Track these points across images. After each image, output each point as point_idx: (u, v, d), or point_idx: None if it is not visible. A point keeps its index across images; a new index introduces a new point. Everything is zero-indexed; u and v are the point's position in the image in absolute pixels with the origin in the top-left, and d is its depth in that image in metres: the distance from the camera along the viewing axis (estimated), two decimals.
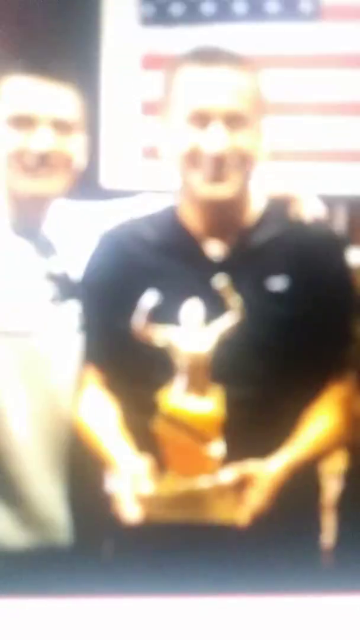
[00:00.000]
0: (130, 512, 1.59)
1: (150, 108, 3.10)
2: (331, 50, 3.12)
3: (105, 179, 3.17)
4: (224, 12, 3.15)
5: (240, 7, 3.15)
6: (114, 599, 1.47)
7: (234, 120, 1.71)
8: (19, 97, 1.83)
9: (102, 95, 3.18)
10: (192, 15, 3.17)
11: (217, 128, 1.70)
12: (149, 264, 1.80)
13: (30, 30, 3.02)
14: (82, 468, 1.84)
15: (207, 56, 1.77)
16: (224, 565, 1.61)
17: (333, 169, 3.08)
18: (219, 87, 1.72)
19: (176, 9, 3.18)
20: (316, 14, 3.13)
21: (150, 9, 3.21)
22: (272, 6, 3.14)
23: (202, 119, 1.71)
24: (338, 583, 1.53)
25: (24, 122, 1.81)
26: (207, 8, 3.17)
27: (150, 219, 1.89)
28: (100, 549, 1.86)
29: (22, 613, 1.44)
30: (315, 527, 1.85)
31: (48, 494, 1.85)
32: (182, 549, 1.65)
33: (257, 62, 1.82)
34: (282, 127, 3.00)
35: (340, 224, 2.91)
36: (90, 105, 1.96)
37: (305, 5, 3.13)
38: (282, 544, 1.69)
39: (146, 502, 1.59)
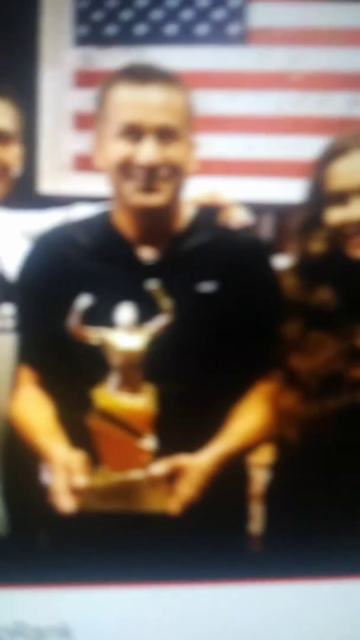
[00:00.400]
0: (65, 503, 1.56)
1: (82, 122, 3.12)
2: (256, 70, 3.13)
3: (42, 187, 3.16)
4: (156, 34, 3.15)
5: (171, 30, 3.14)
6: (49, 587, 1.44)
7: (165, 135, 1.71)
8: None
9: (38, 108, 3.16)
10: (125, 36, 3.16)
11: (149, 141, 1.70)
12: (83, 267, 1.78)
13: None
14: (18, 462, 1.81)
15: (139, 73, 1.76)
16: (156, 554, 1.58)
17: (259, 182, 3.11)
18: (152, 103, 1.71)
19: (110, 30, 3.17)
20: (242, 37, 3.13)
21: (85, 30, 3.19)
22: (201, 29, 3.14)
23: (135, 133, 1.70)
24: (265, 569, 1.52)
25: None
26: (140, 30, 3.15)
27: (85, 224, 1.86)
28: (36, 539, 1.82)
29: None
30: (243, 516, 1.84)
31: None
32: (116, 539, 1.61)
33: (187, 81, 1.80)
34: (210, 142, 3.00)
35: (266, 231, 2.94)
36: (28, 118, 1.94)
37: (232, 29, 3.13)
38: (212, 532, 1.66)
39: (80, 494, 1.57)
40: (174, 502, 1.58)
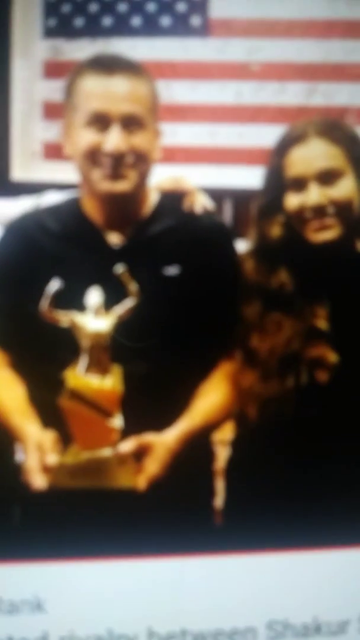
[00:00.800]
0: (37, 480, 1.55)
1: (52, 111, 3.08)
2: (217, 60, 3.10)
3: (13, 174, 3.11)
4: (121, 26, 3.11)
5: (136, 21, 3.11)
6: (22, 562, 1.43)
7: (131, 123, 1.68)
8: None
9: (9, 98, 3.11)
10: (92, 28, 3.11)
11: (115, 130, 1.67)
12: (53, 252, 1.75)
13: None
14: None
15: (106, 64, 1.72)
16: (125, 528, 1.57)
17: (220, 169, 3.09)
18: (118, 93, 1.68)
19: (78, 22, 3.12)
20: (204, 28, 3.11)
21: (53, 22, 3.14)
22: (164, 21, 3.11)
23: (101, 122, 1.68)
24: (229, 542, 1.52)
25: None
26: (106, 22, 3.11)
27: (55, 210, 1.83)
28: (9, 515, 1.79)
29: None
30: (208, 491, 1.83)
31: None
32: (86, 514, 1.59)
33: (152, 71, 1.78)
34: (174, 130, 2.99)
35: (227, 216, 2.91)
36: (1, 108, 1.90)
37: (194, 21, 3.10)
38: (178, 507, 1.64)
39: (52, 471, 1.55)
40: (141, 479, 1.58)
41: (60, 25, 3.14)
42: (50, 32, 3.15)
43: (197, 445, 1.68)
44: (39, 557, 1.43)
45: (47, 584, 1.41)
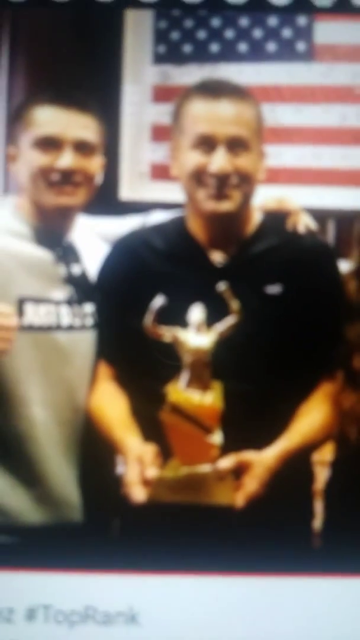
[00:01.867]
0: (137, 494, 1.52)
1: (160, 134, 3.10)
2: (321, 84, 3.05)
3: (123, 194, 3.14)
4: (228, 52, 3.08)
5: (242, 47, 3.09)
6: (121, 574, 1.39)
7: (236, 145, 1.67)
8: (48, 123, 1.77)
9: (120, 121, 3.13)
10: (200, 54, 3.10)
11: (221, 151, 1.66)
12: (158, 269, 1.74)
13: (60, 65, 2.98)
14: (94, 453, 1.76)
15: (213, 88, 1.72)
16: (221, 546, 1.52)
17: (324, 190, 3.02)
18: (224, 116, 1.68)
19: (186, 49, 3.12)
20: (309, 53, 3.06)
21: (163, 48, 3.15)
22: (270, 47, 3.08)
23: (207, 144, 1.67)
24: (327, 565, 1.45)
25: (51, 144, 1.76)
26: (214, 48, 3.11)
27: (160, 228, 1.83)
28: (109, 527, 1.77)
29: (34, 585, 1.36)
30: (306, 512, 1.76)
31: (63, 475, 1.76)
32: (183, 529, 1.55)
33: (257, 95, 1.76)
34: (278, 152, 2.96)
35: (330, 237, 2.86)
36: (110, 131, 1.92)
37: (299, 46, 3.07)
38: (275, 526, 1.59)
39: (152, 485, 1.52)
40: (239, 496, 1.53)
41: (169, 51, 3.15)
42: (159, 58, 3.16)
43: (297, 465, 1.63)
44: (135, 569, 1.39)
45: (142, 596, 1.37)
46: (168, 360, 1.56)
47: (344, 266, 1.80)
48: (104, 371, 1.77)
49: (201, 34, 3.11)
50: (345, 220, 2.70)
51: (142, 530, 1.60)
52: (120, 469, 1.63)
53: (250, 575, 1.39)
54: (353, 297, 1.73)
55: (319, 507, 1.78)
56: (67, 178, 1.76)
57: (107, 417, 1.70)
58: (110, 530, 1.77)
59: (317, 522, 1.76)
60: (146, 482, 1.52)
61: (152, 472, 1.52)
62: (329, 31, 3.05)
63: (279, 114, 3.02)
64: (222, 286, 1.56)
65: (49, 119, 1.77)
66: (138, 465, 1.54)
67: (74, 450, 1.77)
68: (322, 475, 1.80)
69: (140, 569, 1.40)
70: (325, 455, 1.78)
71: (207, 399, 1.53)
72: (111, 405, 1.72)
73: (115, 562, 1.43)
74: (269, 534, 1.56)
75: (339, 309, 1.73)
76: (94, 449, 1.75)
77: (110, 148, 1.92)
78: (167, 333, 1.56)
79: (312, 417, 1.67)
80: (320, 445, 1.72)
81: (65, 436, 1.76)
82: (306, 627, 1.39)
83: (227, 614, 1.37)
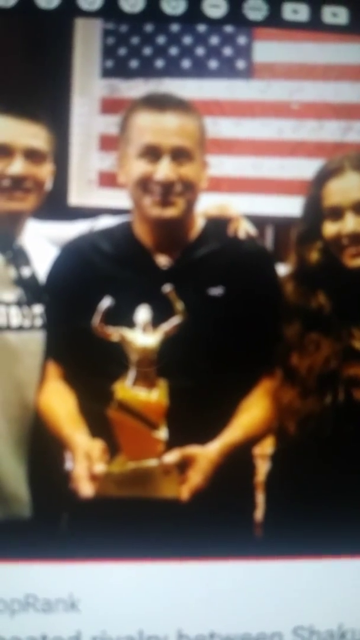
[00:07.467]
0: (85, 489, 1.47)
1: (107, 143, 3.10)
2: (260, 100, 3.08)
3: (72, 200, 3.12)
4: (172, 68, 3.08)
5: (186, 64, 3.09)
6: (61, 562, 1.35)
7: (180, 155, 1.66)
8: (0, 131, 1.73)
9: (69, 131, 3.12)
10: (146, 69, 3.10)
11: (166, 161, 1.65)
12: (105, 271, 1.71)
13: (10, 77, 2.92)
14: (43, 449, 1.71)
15: (158, 101, 1.71)
16: (163, 535, 1.49)
17: (263, 198, 3.06)
18: (168, 127, 1.66)
19: (133, 64, 3.11)
20: (248, 71, 3.09)
21: (111, 63, 3.13)
22: (212, 64, 3.09)
23: (153, 154, 1.66)
24: (267, 551, 1.43)
25: (2, 151, 1.72)
26: (159, 64, 3.10)
27: (107, 232, 1.79)
28: (57, 521, 1.71)
29: None
30: (248, 503, 1.74)
31: (12, 472, 1.70)
32: (127, 521, 1.51)
33: (200, 108, 1.75)
34: (220, 162, 2.98)
35: (268, 242, 2.88)
36: (60, 140, 1.88)
37: (239, 64, 3.08)
38: (218, 517, 1.56)
39: (99, 479, 1.48)
40: (184, 489, 1.50)
41: (116, 66, 3.13)
42: (107, 73, 3.14)
43: (239, 458, 1.61)
44: (75, 557, 1.35)
45: (82, 583, 1.33)
46: (115, 359, 1.52)
47: (282, 269, 1.80)
48: (53, 370, 1.72)
49: (147, 50, 3.10)
50: (283, 226, 2.70)
51: (87, 523, 1.56)
52: (68, 464, 1.59)
53: (187, 560, 1.36)
54: (290, 298, 1.73)
55: (260, 498, 1.76)
56: (18, 184, 1.72)
57: (55, 414, 1.65)
58: (57, 524, 1.71)
59: (259, 512, 1.74)
60: (94, 477, 1.48)
61: (100, 467, 1.48)
62: (267, 50, 3.08)
63: (220, 127, 3.04)
64: (167, 288, 1.54)
65: (1, 127, 1.73)
66: (86, 461, 1.50)
67: (24, 447, 1.72)
68: (262, 468, 1.78)
69: (80, 557, 1.36)
70: (265, 448, 1.77)
71: (153, 396, 1.50)
72: (59, 403, 1.67)
73: (56, 551, 1.38)
74: (213, 524, 1.53)
75: (278, 310, 1.72)
76: (42, 446, 1.70)
77: (60, 156, 1.89)
78: (115, 333, 1.53)
79: (252, 412, 1.65)
80: (260, 439, 1.70)
81: (15, 433, 1.71)
82: (240, 611, 1.38)
83: (164, 600, 1.34)
